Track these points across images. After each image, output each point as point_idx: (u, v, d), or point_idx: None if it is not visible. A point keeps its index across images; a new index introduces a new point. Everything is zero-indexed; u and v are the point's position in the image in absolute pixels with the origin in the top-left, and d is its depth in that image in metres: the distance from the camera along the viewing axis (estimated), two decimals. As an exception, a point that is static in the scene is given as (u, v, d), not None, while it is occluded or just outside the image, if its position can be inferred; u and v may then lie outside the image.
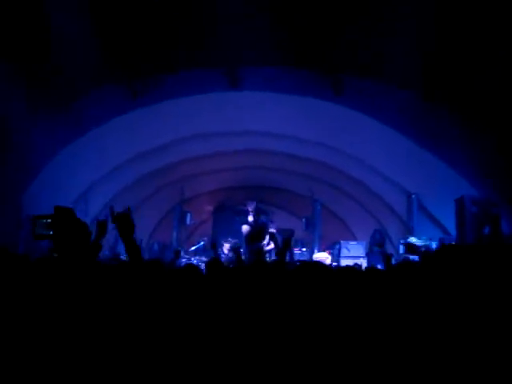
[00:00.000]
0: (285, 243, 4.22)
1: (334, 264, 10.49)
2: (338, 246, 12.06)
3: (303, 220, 13.39)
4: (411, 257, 9.45)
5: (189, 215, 13.54)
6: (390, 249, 12.25)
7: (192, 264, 3.54)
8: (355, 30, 8.09)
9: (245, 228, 10.01)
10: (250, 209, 10.15)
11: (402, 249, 10.73)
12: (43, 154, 9.37)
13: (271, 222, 10.33)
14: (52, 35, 7.57)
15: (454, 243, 9.25)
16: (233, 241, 11.60)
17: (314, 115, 10.43)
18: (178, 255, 4.99)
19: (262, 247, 9.62)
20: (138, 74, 9.30)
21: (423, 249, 10.03)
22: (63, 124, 9.03)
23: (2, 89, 7.70)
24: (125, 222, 2.84)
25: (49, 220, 3.01)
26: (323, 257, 11.32)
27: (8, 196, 8.91)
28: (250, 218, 9.98)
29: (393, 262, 8.07)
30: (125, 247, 2.81)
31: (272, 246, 9.55)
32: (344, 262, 10.66)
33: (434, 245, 10.07)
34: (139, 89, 9.57)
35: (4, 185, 8.68)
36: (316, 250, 11.93)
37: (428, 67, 8.11)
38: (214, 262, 3.75)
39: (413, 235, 10.94)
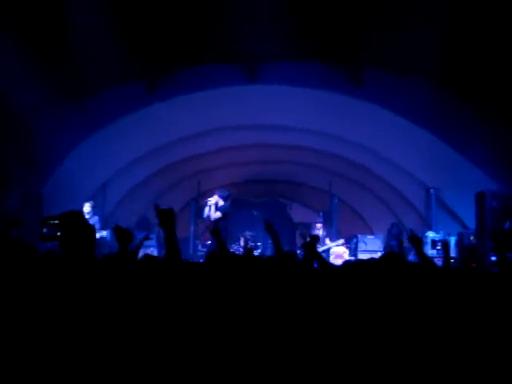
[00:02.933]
0: (308, 248, 3.59)
1: (352, 258, 10.45)
2: (355, 240, 12.01)
3: (320, 214, 13.35)
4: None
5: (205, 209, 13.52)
6: (406, 243, 12.17)
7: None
8: (371, 22, 8.03)
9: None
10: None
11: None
12: (62, 147, 9.46)
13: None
14: (72, 32, 7.65)
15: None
16: (249, 234, 11.64)
17: (333, 109, 10.38)
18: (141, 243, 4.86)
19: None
20: (155, 68, 9.33)
21: (440, 243, 9.96)
22: (82, 118, 9.10)
23: (24, 84, 7.78)
24: (167, 217, 2.95)
25: (56, 221, 3.03)
26: (341, 251, 11.29)
27: (30, 190, 9.01)
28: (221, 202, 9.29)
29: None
30: (165, 241, 2.94)
31: None
32: (361, 256, 10.61)
33: (452, 240, 9.98)
34: (156, 83, 9.61)
35: (25, 179, 8.78)
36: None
37: (448, 57, 8.01)
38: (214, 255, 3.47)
39: (431, 229, 10.85)
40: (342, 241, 11.57)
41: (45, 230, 3.11)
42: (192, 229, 12.76)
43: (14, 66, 7.69)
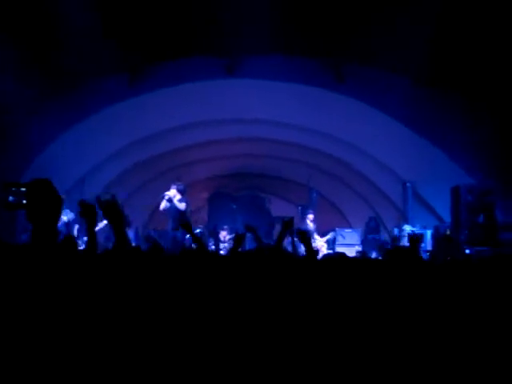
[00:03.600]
0: (285, 225, 4.06)
1: (331, 252, 10.55)
2: (333, 234, 12.10)
3: (299, 208, 13.41)
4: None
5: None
6: (384, 236, 12.34)
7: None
8: (355, 17, 8.07)
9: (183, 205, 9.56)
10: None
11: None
12: (41, 140, 9.38)
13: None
14: (55, 25, 7.59)
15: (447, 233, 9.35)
16: (229, 228, 11.65)
17: (314, 104, 10.43)
18: (151, 241, 4.66)
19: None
20: (137, 61, 9.27)
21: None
22: (62, 111, 9.03)
23: (4, 76, 7.69)
24: (112, 211, 2.81)
25: (23, 189, 2.77)
26: (319, 244, 11.38)
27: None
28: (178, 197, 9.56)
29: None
30: (114, 235, 2.80)
31: None
32: (339, 250, 10.70)
33: (428, 233, 10.14)
34: (138, 76, 9.56)
35: (3, 170, 8.70)
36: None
37: (428, 53, 8.09)
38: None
39: (407, 223, 11.00)
40: (332, 234, 11.72)
41: (11, 198, 2.81)
42: (171, 223, 12.71)
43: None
